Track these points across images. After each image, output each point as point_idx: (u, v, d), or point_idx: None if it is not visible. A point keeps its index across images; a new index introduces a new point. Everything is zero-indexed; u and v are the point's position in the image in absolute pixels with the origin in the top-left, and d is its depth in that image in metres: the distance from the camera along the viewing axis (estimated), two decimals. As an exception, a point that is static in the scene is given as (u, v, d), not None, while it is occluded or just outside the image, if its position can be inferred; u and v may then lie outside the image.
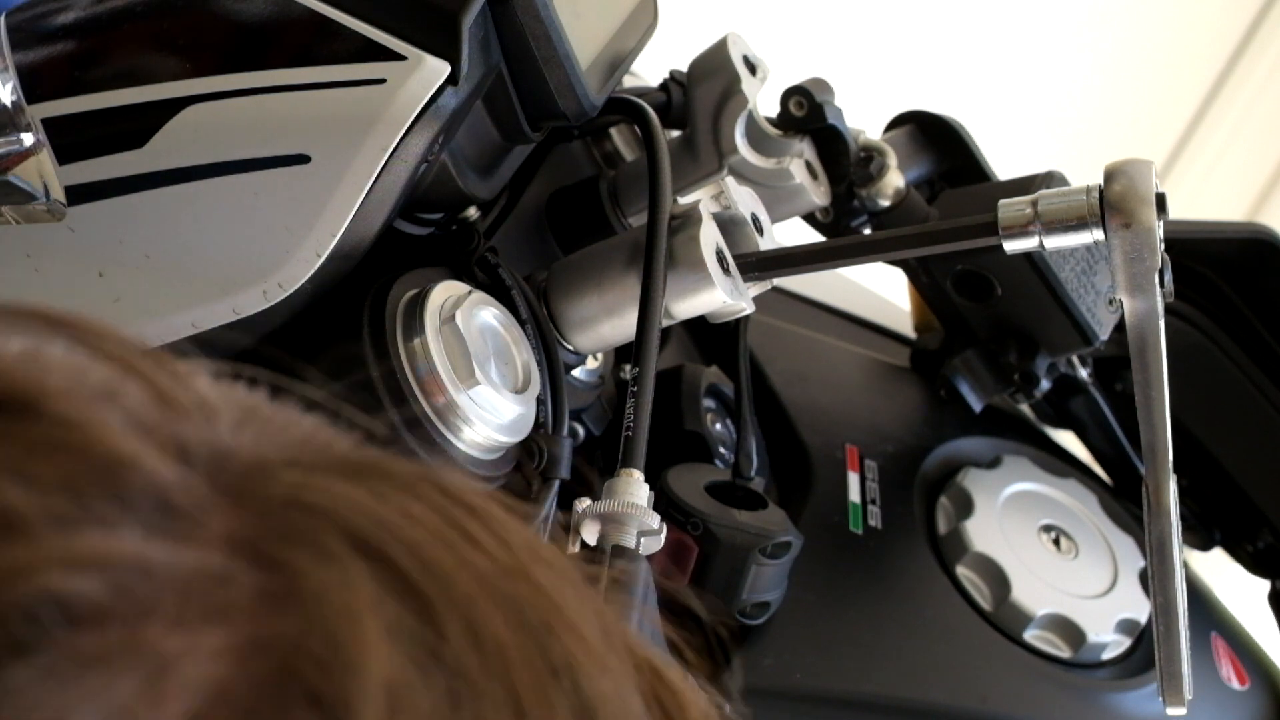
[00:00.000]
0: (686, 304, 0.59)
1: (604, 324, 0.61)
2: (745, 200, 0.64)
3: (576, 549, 0.52)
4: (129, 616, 0.20)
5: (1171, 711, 0.58)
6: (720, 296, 0.59)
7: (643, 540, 0.51)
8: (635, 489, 0.52)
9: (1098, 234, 0.54)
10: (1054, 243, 0.56)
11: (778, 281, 0.64)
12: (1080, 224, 0.54)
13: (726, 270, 0.60)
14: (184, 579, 0.21)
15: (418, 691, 0.22)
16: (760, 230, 0.64)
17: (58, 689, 0.19)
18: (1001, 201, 0.57)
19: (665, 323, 0.60)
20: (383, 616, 0.22)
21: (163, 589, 0.21)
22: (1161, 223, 0.54)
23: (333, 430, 0.27)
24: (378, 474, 0.25)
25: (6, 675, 0.19)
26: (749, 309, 0.61)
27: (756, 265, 0.62)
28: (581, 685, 0.24)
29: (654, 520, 0.52)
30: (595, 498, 0.52)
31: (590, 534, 0.52)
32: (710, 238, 0.59)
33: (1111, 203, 0.53)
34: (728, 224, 0.62)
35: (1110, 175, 0.53)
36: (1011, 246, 0.57)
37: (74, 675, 0.20)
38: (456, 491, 0.26)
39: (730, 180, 0.64)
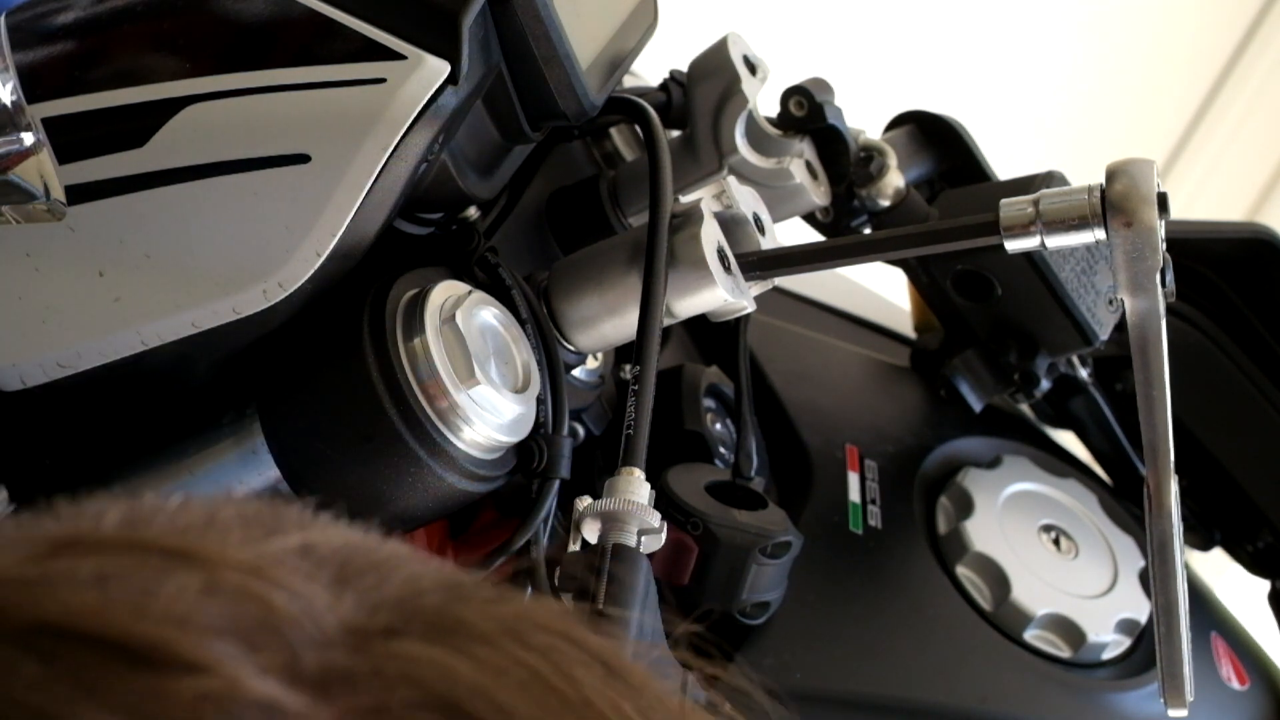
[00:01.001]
0: (688, 302, 0.59)
1: (605, 323, 0.61)
2: (747, 199, 0.64)
3: (578, 547, 0.52)
4: None
5: (1173, 713, 0.58)
6: (722, 295, 0.59)
7: (643, 539, 0.51)
8: (636, 487, 0.52)
9: (1099, 233, 0.54)
10: (1055, 242, 0.56)
11: (778, 281, 0.64)
12: (1082, 223, 0.54)
13: (728, 269, 0.60)
14: None
15: None
16: (762, 229, 0.64)
17: None
18: (1003, 201, 0.57)
19: (666, 321, 0.60)
20: None
21: None
22: (1163, 222, 0.54)
23: (418, 563, 0.29)
24: (464, 631, 0.27)
25: None
26: (750, 307, 0.61)
27: (758, 264, 0.62)
28: None
29: (655, 519, 0.52)
30: (596, 496, 0.52)
31: (591, 532, 0.52)
32: (711, 236, 0.59)
33: (1113, 202, 0.53)
34: (729, 223, 0.62)
35: (1112, 175, 0.53)
36: (1013, 246, 0.57)
37: None
38: (533, 638, 0.27)
39: (732, 179, 0.64)
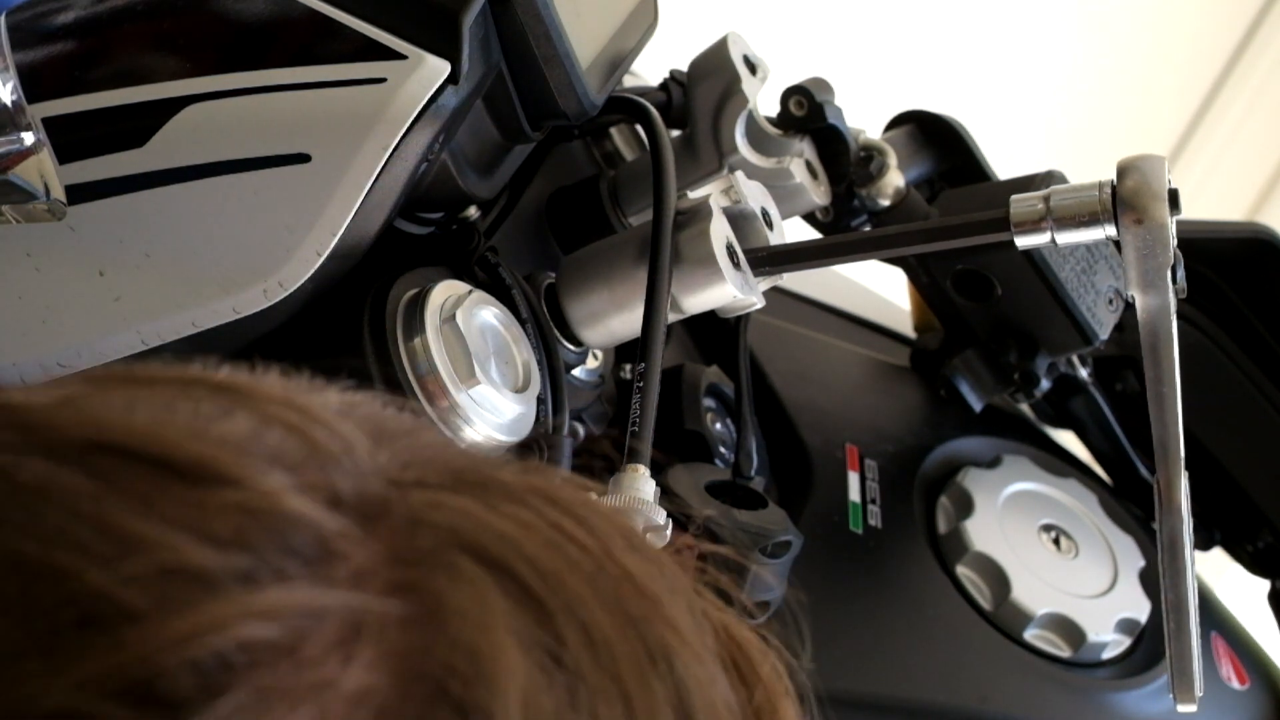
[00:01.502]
0: (697, 298, 0.59)
1: (614, 319, 0.61)
2: (755, 194, 0.64)
3: None
4: (301, 655, 0.24)
5: (1182, 708, 0.58)
6: (731, 291, 0.59)
7: (649, 536, 0.51)
8: (641, 484, 0.52)
9: (1110, 230, 0.54)
10: (1066, 238, 0.56)
11: (779, 280, 0.64)
12: (1092, 220, 0.54)
13: (737, 265, 0.60)
14: (342, 615, 0.24)
15: (544, 694, 0.25)
16: (770, 225, 0.64)
17: None
18: (1013, 197, 0.56)
19: (675, 317, 0.60)
20: (513, 628, 0.25)
21: (327, 627, 0.24)
22: (1174, 219, 0.54)
23: (439, 437, 0.31)
24: (490, 486, 0.28)
25: (208, 713, 0.22)
26: (759, 303, 0.61)
27: (767, 260, 0.62)
28: (677, 669, 0.27)
29: (660, 516, 0.51)
30: (600, 494, 0.52)
31: None
32: (720, 232, 0.59)
33: (1124, 198, 0.53)
34: (738, 218, 0.62)
35: (1123, 171, 0.53)
36: (1023, 242, 0.57)
37: (262, 709, 0.23)
38: (558, 496, 0.29)
39: (740, 175, 0.64)
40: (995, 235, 0.57)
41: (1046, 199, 0.55)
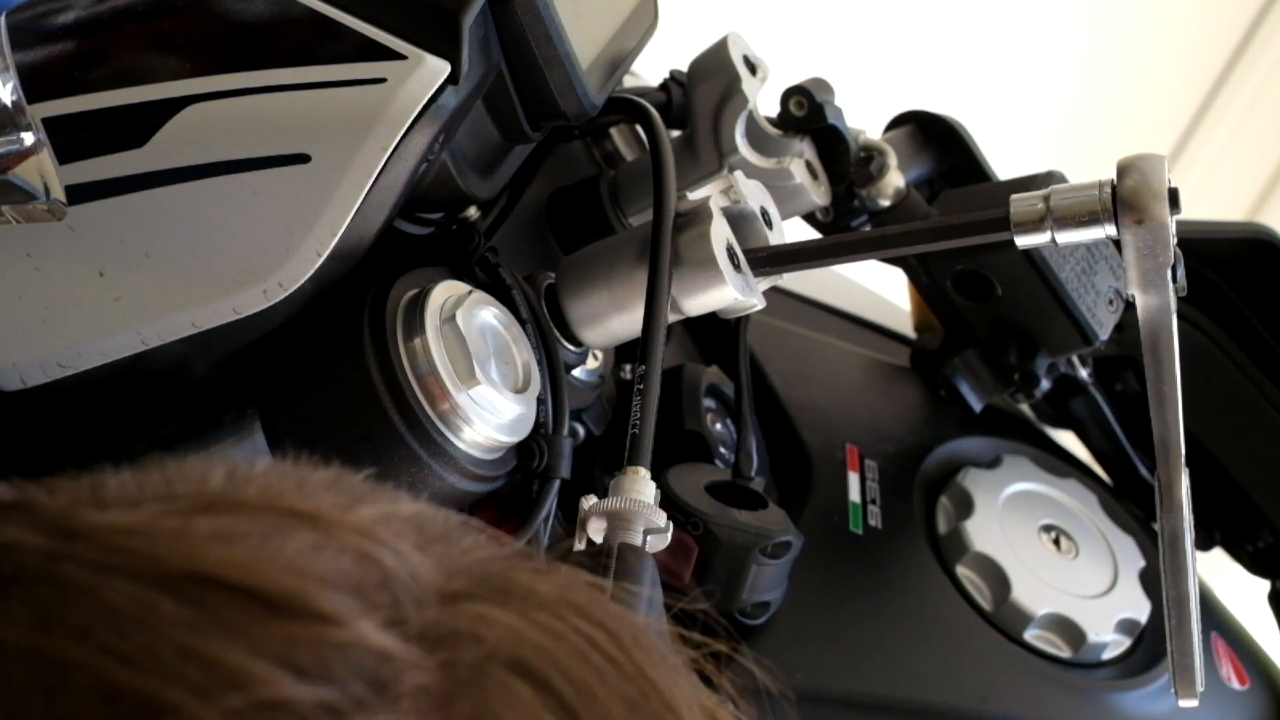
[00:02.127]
0: (697, 300, 0.59)
1: (613, 319, 0.61)
2: (754, 194, 0.64)
3: (583, 546, 0.51)
4: None
5: (1184, 704, 0.58)
6: (731, 293, 0.59)
7: (649, 538, 0.51)
8: (641, 486, 0.52)
9: (1110, 229, 0.54)
10: (1066, 238, 0.56)
11: (780, 282, 0.64)
12: (1092, 219, 0.54)
13: (737, 266, 0.60)
14: None
15: None
16: (770, 224, 0.64)
17: None
18: (1014, 197, 0.56)
19: (675, 318, 0.60)
20: None
21: None
22: (1174, 218, 0.54)
23: (474, 539, 0.32)
24: (528, 598, 0.29)
25: None
26: (760, 304, 0.61)
27: (767, 260, 0.62)
28: None
29: (660, 518, 0.51)
30: (601, 495, 0.52)
31: (596, 532, 0.51)
32: (721, 234, 0.59)
33: (1124, 198, 0.53)
34: (737, 219, 0.62)
35: (1123, 170, 0.53)
36: (1024, 241, 0.57)
37: None
38: (587, 608, 0.30)
39: (739, 175, 0.64)
40: (995, 235, 0.57)
41: (1046, 199, 0.55)
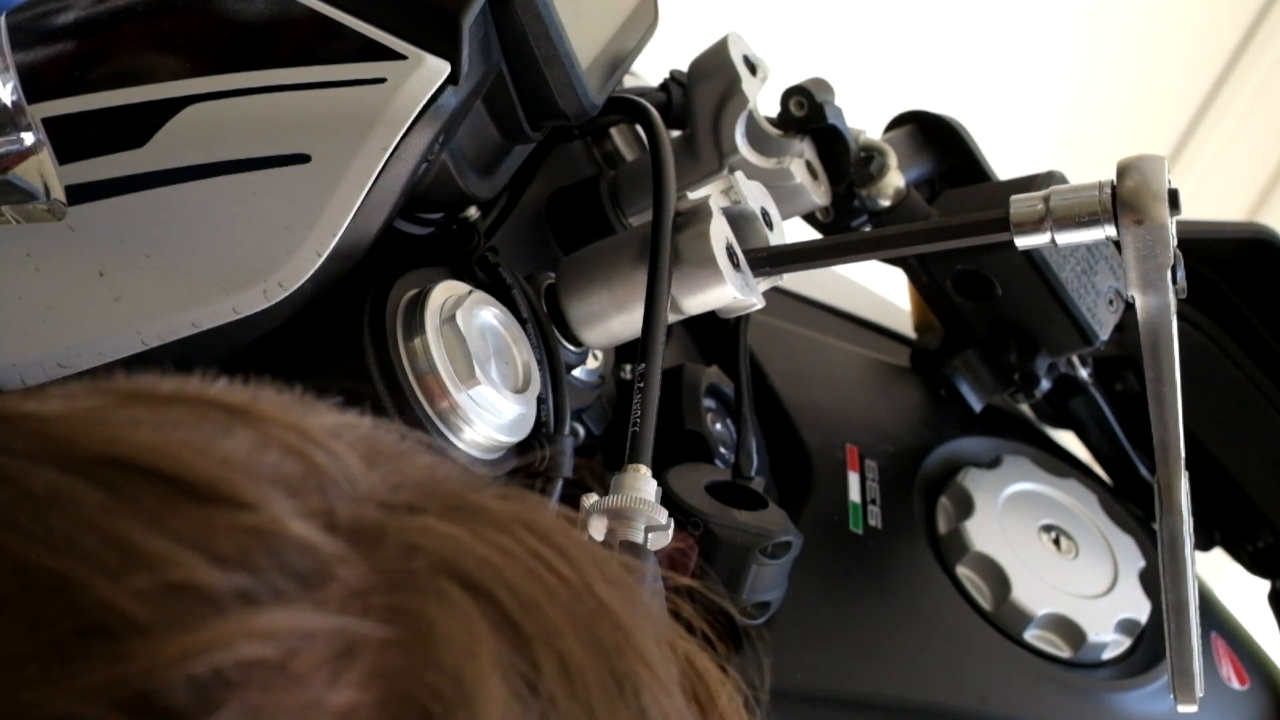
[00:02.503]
0: (697, 299, 0.59)
1: (614, 319, 0.61)
2: (755, 195, 0.64)
3: None
4: (292, 673, 0.24)
5: (1183, 709, 0.58)
6: (731, 292, 0.59)
7: (650, 536, 0.51)
8: (643, 484, 0.52)
9: (1110, 230, 0.54)
10: (1066, 239, 0.56)
11: (780, 282, 0.64)
12: (1092, 220, 0.54)
13: (737, 265, 0.60)
14: (333, 636, 0.25)
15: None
16: (770, 225, 0.64)
17: None
18: (1013, 198, 0.56)
19: (675, 317, 0.60)
20: (495, 654, 0.26)
21: (318, 647, 0.25)
22: (1174, 219, 0.54)
23: (431, 458, 0.31)
24: (477, 513, 0.29)
25: None
26: (759, 304, 0.61)
27: (767, 260, 0.62)
28: (644, 699, 0.28)
29: (662, 515, 0.51)
30: (602, 493, 0.52)
31: (598, 530, 0.51)
32: (720, 233, 0.59)
33: (1124, 199, 0.53)
34: (737, 219, 0.62)
35: (1123, 171, 0.53)
36: (1023, 242, 0.57)
37: None
38: (539, 525, 0.29)
39: (740, 175, 0.64)
40: (995, 235, 0.57)
41: (1046, 199, 0.55)
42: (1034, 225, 0.56)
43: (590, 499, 0.52)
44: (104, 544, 0.24)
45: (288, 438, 0.28)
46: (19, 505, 0.25)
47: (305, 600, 0.25)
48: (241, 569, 0.25)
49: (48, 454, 0.26)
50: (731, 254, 0.60)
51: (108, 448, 0.26)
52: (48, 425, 0.27)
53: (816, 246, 0.62)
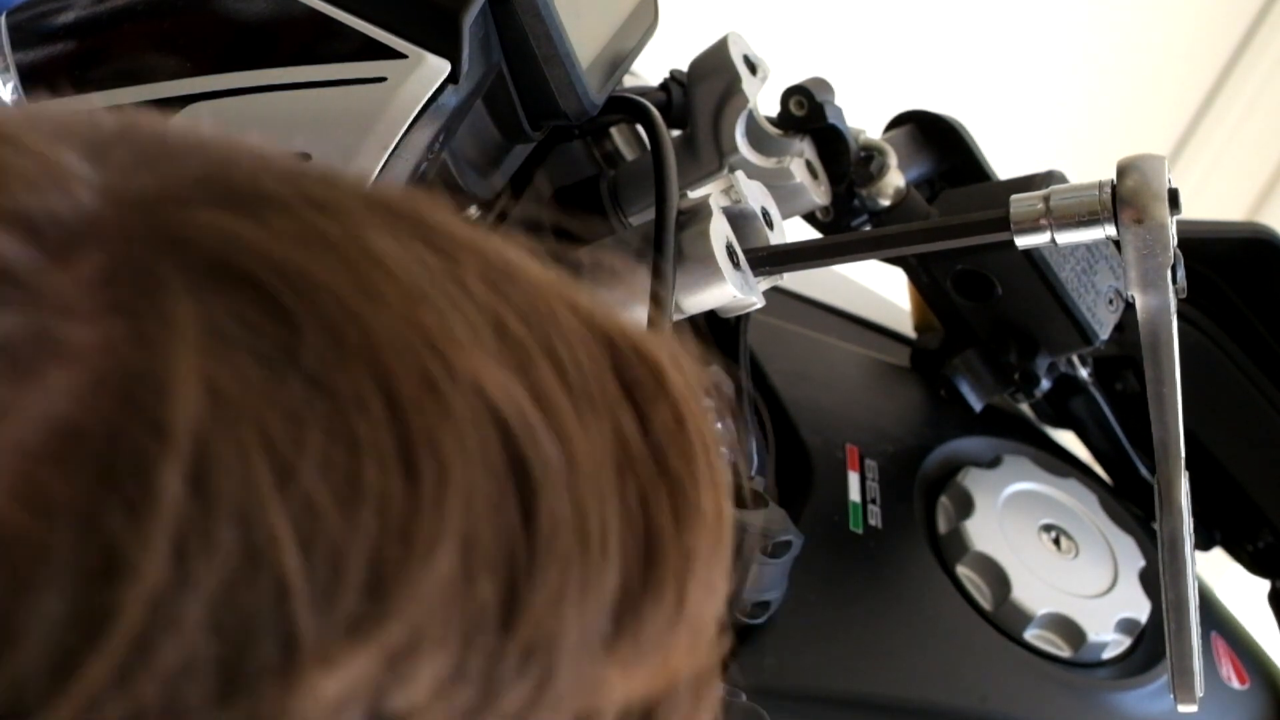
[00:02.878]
0: (697, 298, 0.59)
1: None
2: (755, 194, 0.64)
3: None
4: None
5: (1183, 709, 0.58)
6: (731, 291, 0.59)
7: None
8: None
9: (1110, 230, 0.54)
10: (1066, 238, 0.56)
11: (780, 281, 0.64)
12: (1092, 219, 0.54)
13: (737, 265, 0.60)
14: (38, 331, 0.22)
15: (250, 387, 0.22)
16: (770, 224, 0.64)
17: None
18: (1013, 197, 0.56)
19: (675, 316, 0.60)
20: (212, 322, 0.23)
21: (16, 342, 0.22)
22: (1174, 219, 0.54)
23: (188, 137, 0.26)
24: (268, 203, 0.24)
25: None
26: (759, 303, 0.61)
27: (767, 259, 0.62)
28: (453, 399, 0.23)
29: None
30: None
31: None
32: (720, 232, 0.59)
33: (1124, 198, 0.53)
34: (738, 218, 0.62)
35: (1123, 170, 0.53)
36: (1023, 242, 0.57)
37: None
38: (331, 203, 0.25)
39: (740, 174, 0.64)
40: (995, 235, 0.57)
41: (1046, 199, 0.55)
42: (1034, 224, 0.56)
43: None
44: None
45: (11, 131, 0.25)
46: None
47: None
48: None
49: None
50: (731, 253, 0.60)
51: None
52: None
53: (816, 246, 0.62)
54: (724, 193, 0.62)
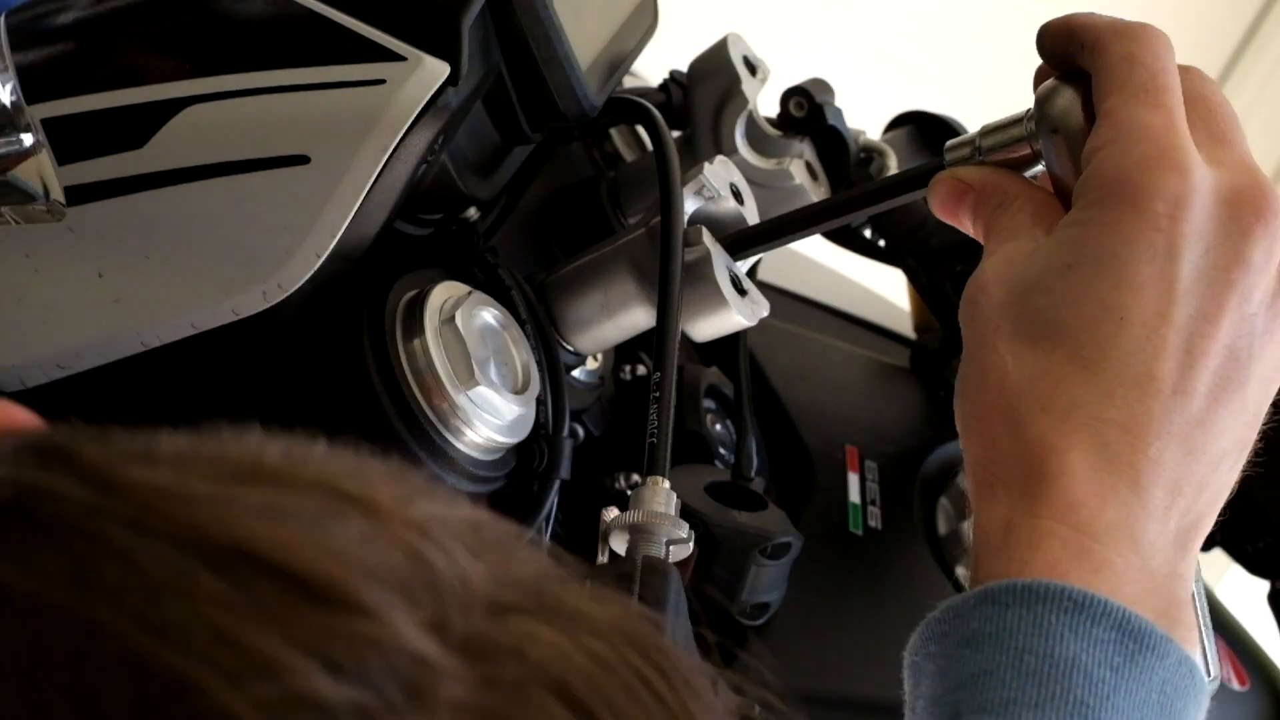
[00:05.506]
0: (705, 329, 0.59)
1: (605, 325, 0.61)
2: (721, 175, 0.63)
3: (605, 559, 0.51)
4: None
5: None
6: (740, 321, 0.59)
7: (671, 549, 0.51)
8: (663, 498, 0.52)
9: (1040, 164, 0.53)
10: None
11: (780, 282, 0.64)
12: (1019, 147, 0.53)
13: (742, 292, 0.60)
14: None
15: None
16: (740, 199, 0.63)
17: None
18: (948, 143, 0.55)
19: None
20: None
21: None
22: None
23: (529, 551, 0.30)
24: (578, 619, 0.28)
25: None
26: (764, 312, 0.61)
27: (732, 247, 0.61)
28: None
29: (682, 529, 0.51)
30: (608, 502, 0.52)
31: (619, 544, 0.51)
32: (722, 266, 0.59)
33: (1047, 117, 0.51)
34: (715, 216, 0.62)
35: (1045, 95, 0.52)
36: None
37: None
38: (639, 638, 0.29)
39: (707, 166, 0.62)
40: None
41: (975, 138, 0.54)
42: (965, 164, 0.54)
43: (611, 513, 0.51)
44: (220, 642, 0.24)
45: (409, 538, 0.27)
46: (131, 586, 0.24)
47: (418, 715, 0.25)
48: (357, 681, 0.24)
49: (165, 533, 0.25)
50: (735, 282, 0.59)
51: (230, 536, 0.25)
52: (167, 502, 0.25)
53: (769, 228, 0.61)
54: (697, 194, 0.61)
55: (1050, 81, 0.50)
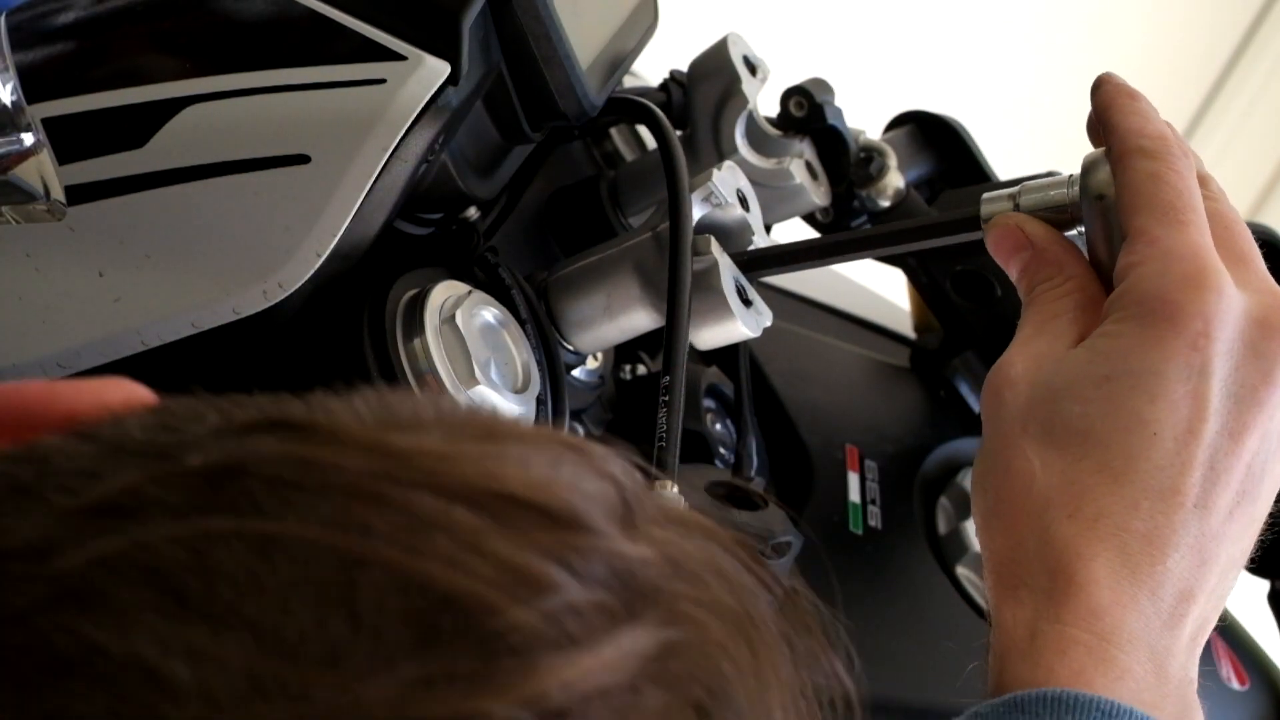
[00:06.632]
0: (710, 338, 0.60)
1: (607, 326, 0.61)
2: (729, 182, 0.63)
3: None
4: (641, 693, 0.26)
5: None
6: (745, 332, 0.59)
7: None
8: (671, 502, 0.52)
9: (1080, 227, 0.54)
10: None
11: (779, 282, 0.64)
12: (1060, 213, 0.54)
13: (748, 302, 0.60)
14: (619, 700, 0.26)
15: None
16: (747, 206, 0.63)
17: None
18: (984, 195, 0.56)
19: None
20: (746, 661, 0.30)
21: (648, 656, 0.27)
22: None
23: (720, 538, 0.33)
24: (751, 623, 0.31)
25: None
26: (767, 322, 0.61)
27: (746, 266, 0.61)
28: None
29: None
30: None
31: None
32: (729, 276, 0.59)
33: (1090, 190, 0.52)
34: (723, 223, 0.62)
35: (1089, 165, 0.53)
36: None
37: None
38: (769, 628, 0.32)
39: (715, 173, 0.63)
40: (968, 235, 0.57)
41: (1015, 195, 0.55)
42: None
43: None
44: (493, 565, 0.26)
45: (605, 467, 0.31)
46: (402, 526, 0.26)
47: (645, 611, 0.28)
48: (606, 589, 0.27)
49: (430, 484, 0.28)
50: (741, 292, 0.60)
51: (488, 481, 0.28)
52: (438, 463, 0.28)
53: (790, 251, 0.62)
54: (704, 200, 0.61)
55: (1096, 152, 0.51)
